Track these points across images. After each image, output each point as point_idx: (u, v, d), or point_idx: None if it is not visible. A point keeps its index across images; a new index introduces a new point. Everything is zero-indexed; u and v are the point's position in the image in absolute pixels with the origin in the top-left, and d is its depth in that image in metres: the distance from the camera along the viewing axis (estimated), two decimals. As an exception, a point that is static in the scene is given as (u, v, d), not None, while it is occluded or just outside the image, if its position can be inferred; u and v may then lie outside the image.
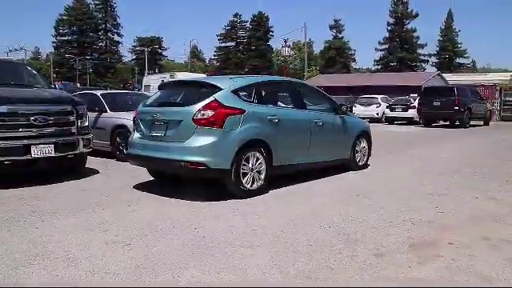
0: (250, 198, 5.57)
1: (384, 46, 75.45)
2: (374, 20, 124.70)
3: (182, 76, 26.87)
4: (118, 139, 8.86)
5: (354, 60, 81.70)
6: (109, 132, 8.92)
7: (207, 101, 5.35)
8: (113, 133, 8.92)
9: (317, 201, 5.54)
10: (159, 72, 63.99)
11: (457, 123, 20.43)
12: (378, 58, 76.31)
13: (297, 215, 4.81)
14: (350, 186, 6.50)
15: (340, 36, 78.96)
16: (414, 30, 73.81)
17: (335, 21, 78.12)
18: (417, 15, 73.39)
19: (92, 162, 7.43)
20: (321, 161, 6.96)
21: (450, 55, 76.39)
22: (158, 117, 5.63)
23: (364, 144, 8.01)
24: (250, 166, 5.63)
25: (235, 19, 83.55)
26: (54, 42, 74.39)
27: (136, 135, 6.04)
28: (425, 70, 71.77)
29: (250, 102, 5.79)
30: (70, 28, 73.44)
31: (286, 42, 41.97)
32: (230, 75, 6.60)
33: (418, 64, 75.07)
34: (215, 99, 5.37)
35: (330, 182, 6.88)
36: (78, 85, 43.65)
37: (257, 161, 5.71)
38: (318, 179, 6.91)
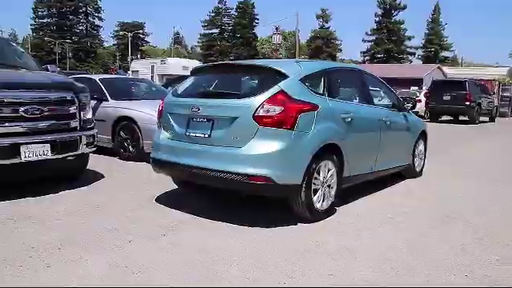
0: (320, 220, 4.23)
1: (371, 38, 74.69)
2: (361, 11, 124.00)
3: (173, 61, 25.17)
4: (121, 134, 7.32)
5: (341, 50, 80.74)
6: (110, 125, 7.38)
7: (272, 92, 3.92)
8: (115, 126, 7.39)
9: (412, 225, 4.20)
10: (142, 58, 61.56)
11: (465, 118, 19.48)
12: (364, 50, 75.50)
13: (411, 250, 3.46)
14: (428, 203, 5.20)
15: (327, 26, 77.82)
16: (402, 22, 73.24)
17: (322, 10, 76.88)
18: (405, 7, 72.75)
19: (90, 161, 5.90)
20: (385, 168, 5.63)
21: (435, 48, 76.20)
22: (199, 111, 4.15)
23: (421, 147, 6.74)
24: (322, 178, 4.26)
25: (220, 5, 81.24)
26: (32, 25, 70.87)
27: (164, 135, 4.55)
28: (411, 62, 71.54)
29: (320, 94, 4.38)
30: (49, 10, 69.82)
31: (277, 29, 40.36)
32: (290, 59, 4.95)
33: (405, 56, 74.72)
34: (282, 90, 3.94)
35: (397, 194, 5.58)
36: (58, 69, 41.03)
37: (328, 172, 4.33)
38: (375, 192, 5.61)
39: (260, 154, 3.80)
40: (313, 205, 4.14)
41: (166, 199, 4.90)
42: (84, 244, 3.43)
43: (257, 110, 3.84)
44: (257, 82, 4.29)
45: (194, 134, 4.21)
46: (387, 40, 73.13)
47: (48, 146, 4.80)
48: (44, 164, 4.89)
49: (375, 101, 5.53)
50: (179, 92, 4.66)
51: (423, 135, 6.76)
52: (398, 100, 6.09)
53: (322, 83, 4.47)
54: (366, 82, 5.42)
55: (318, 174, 4.18)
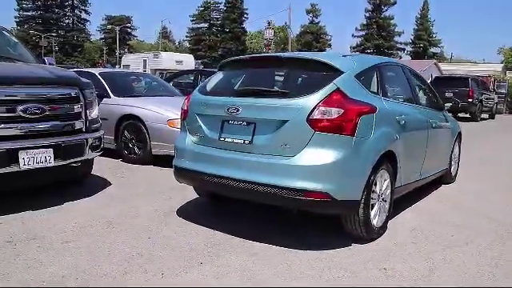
0: (376, 239, 3.64)
1: (361, 33, 74.56)
2: (351, 6, 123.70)
3: (166, 55, 24.38)
4: (125, 134, 6.61)
5: (330, 46, 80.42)
6: (113, 124, 6.66)
7: (327, 90, 3.28)
8: (118, 125, 6.68)
9: (482, 243, 3.62)
10: (130, 52, 60.26)
11: (465, 116, 19.11)
12: (354, 45, 75.30)
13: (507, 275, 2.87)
14: (477, 213, 4.64)
15: (317, 21, 77.47)
16: (392, 18, 73.21)
17: (312, 5, 76.41)
18: (395, 3, 72.65)
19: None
20: (430, 175, 5.06)
21: (424, 44, 76.33)
22: (238, 113, 3.49)
23: (456, 150, 6.20)
24: (378, 191, 3.65)
25: (209, 0, 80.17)
26: (16, 17, 68.74)
27: (190, 140, 3.87)
28: (401, 58, 71.59)
29: (375, 93, 3.77)
30: (33, 3, 67.71)
31: (269, 23, 39.57)
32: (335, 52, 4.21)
33: (395, 52, 74.75)
34: (338, 88, 3.30)
35: (441, 204, 5.02)
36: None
37: (384, 183, 3.73)
38: (416, 202, 5.07)
39: (317, 164, 3.17)
40: (370, 222, 3.53)
41: (189, 212, 4.24)
42: (105, 278, 2.76)
43: (312, 111, 3.20)
44: (306, 78, 3.63)
45: (230, 140, 3.54)
46: (377, 35, 73.06)
47: (51, 151, 4.10)
48: (45, 172, 4.19)
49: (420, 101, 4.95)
50: (208, 89, 3.97)
51: (459, 137, 6.21)
52: (437, 98, 5.51)
53: (375, 80, 3.86)
54: (410, 79, 4.82)
55: (375, 187, 3.57)
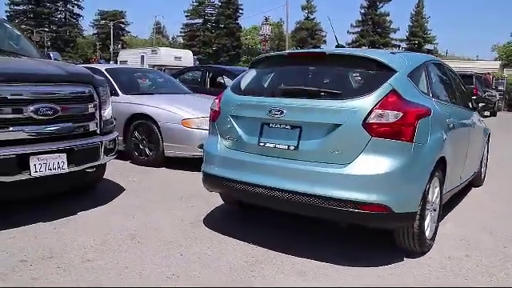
0: (427, 252, 3.31)
1: (356, 30, 74.35)
2: (346, 2, 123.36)
3: (164, 51, 23.92)
4: (135, 134, 6.22)
5: (325, 42, 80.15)
6: (122, 124, 6.25)
7: (383, 91, 2.94)
8: (128, 125, 6.27)
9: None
10: (123, 47, 59.45)
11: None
12: (349, 41, 75.05)
13: None
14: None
15: (312, 17, 77.15)
16: (387, 14, 73.06)
17: (307, 1, 76.02)
18: (390, -1, 72.50)
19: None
20: (467, 179, 4.73)
21: (419, 41, 76.32)
22: (282, 115, 3.12)
23: (485, 152, 5.87)
24: (431, 200, 3.31)
25: (203, -5, 79.40)
26: (7, 12, 67.37)
27: (222, 144, 3.50)
28: (396, 55, 71.27)
29: (426, 94, 3.43)
30: (25, -3, 66.56)
31: (266, 19, 39.02)
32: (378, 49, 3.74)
33: (390, 49, 74.65)
34: (394, 89, 2.96)
35: (479, 209, 4.70)
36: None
37: (435, 191, 3.39)
38: (453, 207, 4.74)
39: (374, 174, 2.82)
40: (424, 234, 3.20)
41: (217, 222, 3.88)
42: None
43: (369, 115, 2.85)
44: (356, 77, 3.27)
45: (271, 145, 3.18)
46: (372, 32, 72.87)
47: (64, 156, 3.71)
48: (57, 179, 3.80)
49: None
50: (243, 88, 3.59)
51: (488, 139, 5.90)
52: (470, 97, 5.19)
53: (425, 80, 3.53)
54: (450, 77, 4.49)
55: (429, 196, 3.24)
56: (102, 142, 4.10)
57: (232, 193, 3.57)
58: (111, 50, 54.79)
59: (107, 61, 44.99)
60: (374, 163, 2.84)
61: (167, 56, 23.85)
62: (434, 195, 3.36)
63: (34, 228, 3.55)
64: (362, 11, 73.32)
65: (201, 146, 5.80)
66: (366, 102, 2.89)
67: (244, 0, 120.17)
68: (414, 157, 2.91)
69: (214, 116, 3.61)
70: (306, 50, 3.53)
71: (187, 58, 26.11)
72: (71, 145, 3.79)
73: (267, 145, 3.20)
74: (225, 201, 4.14)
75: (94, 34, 74.15)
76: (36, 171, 3.53)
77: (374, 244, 3.42)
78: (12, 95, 3.43)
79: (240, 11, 79.27)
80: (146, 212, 4.10)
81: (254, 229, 3.75)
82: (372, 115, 2.85)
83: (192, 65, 25.37)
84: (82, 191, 4.57)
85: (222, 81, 10.38)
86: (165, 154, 5.98)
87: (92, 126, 4.06)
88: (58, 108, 3.68)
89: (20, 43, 4.99)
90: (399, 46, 75.90)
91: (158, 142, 5.98)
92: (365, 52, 3.37)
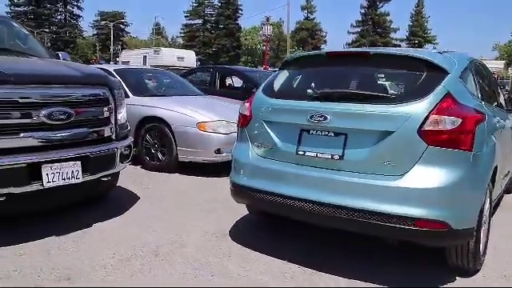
0: (479, 270, 3.01)
1: (356, 30, 74.22)
2: (346, 2, 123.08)
3: (167, 52, 23.64)
4: (147, 138, 5.91)
5: (325, 42, 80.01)
6: (133, 127, 5.88)
7: (438, 95, 2.65)
8: (139, 128, 5.96)
9: None
10: (123, 48, 59.08)
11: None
12: (350, 42, 74.88)
13: None
14: None
15: (312, 17, 77.01)
16: (387, 14, 72.92)
17: (307, 1, 75.82)
18: (390, -1, 72.40)
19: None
20: (504, 186, 4.42)
21: (419, 41, 76.15)
22: (325, 121, 2.82)
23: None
24: (485, 213, 3.01)
25: (203, -5, 79.13)
26: (8, 13, 67.02)
27: (254, 151, 3.19)
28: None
29: (476, 97, 3.15)
30: (25, -2, 66.18)
31: (267, 19, 38.66)
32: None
33: (391, 49, 74.41)
34: (449, 93, 2.67)
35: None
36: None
37: (487, 203, 3.09)
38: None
39: (432, 187, 2.52)
40: (479, 251, 2.90)
41: (244, 236, 3.57)
42: None
43: (424, 121, 2.55)
44: (405, 78, 2.97)
45: (312, 154, 2.87)
46: (372, 32, 72.71)
47: (78, 164, 3.40)
48: (71, 189, 3.48)
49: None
50: (277, 91, 3.28)
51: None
52: (505, 99, 4.89)
53: (473, 81, 3.23)
54: (489, 77, 4.20)
55: (484, 209, 2.94)
56: (117, 148, 3.79)
57: (265, 206, 3.26)
58: (111, 50, 54.45)
59: (107, 61, 44.66)
60: (430, 175, 2.54)
61: (170, 56, 23.52)
62: (486, 207, 3.06)
63: (46, 243, 3.24)
64: (362, 11, 73.15)
65: (218, 151, 5.54)
66: (421, 107, 2.59)
67: (244, 0, 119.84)
68: (473, 167, 2.62)
69: (244, 121, 3.30)
70: (348, 50, 3.25)
71: (190, 58, 25.80)
72: (86, 152, 3.48)
73: (307, 154, 2.89)
74: (250, 211, 3.83)
75: (93, 34, 73.89)
76: (49, 181, 3.22)
77: (418, 261, 3.13)
78: (22, 98, 3.13)
79: (240, 12, 79.05)
80: (165, 223, 3.79)
81: (284, 243, 3.45)
82: (428, 122, 2.56)
83: (194, 65, 25.12)
84: (93, 200, 4.26)
85: (230, 82, 10.10)
86: (178, 158, 5.67)
87: (107, 131, 3.76)
88: (72, 112, 3.37)
89: (28, 43, 4.69)
90: (399, 46, 75.74)
91: (171, 146, 5.67)
92: (413, 51, 3.06)
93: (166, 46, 70.55)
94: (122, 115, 4.02)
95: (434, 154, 2.55)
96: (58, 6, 66.42)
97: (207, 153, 5.49)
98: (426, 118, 2.57)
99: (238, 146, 3.38)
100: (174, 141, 5.64)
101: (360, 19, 73.47)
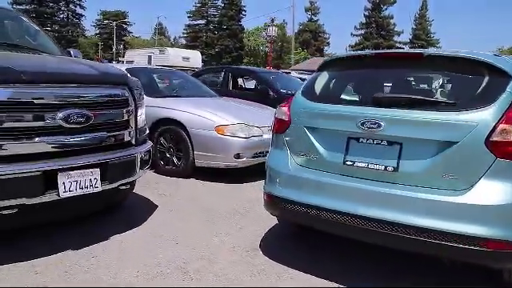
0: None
1: (360, 32, 74.08)
2: (350, 4, 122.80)
3: (172, 52, 23.37)
4: (162, 141, 5.60)
5: (328, 44, 79.87)
6: (146, 130, 5.60)
7: (504, 102, 2.37)
8: (153, 131, 5.63)
9: None
10: (125, 48, 58.87)
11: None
12: (353, 44, 74.71)
13: None
14: None
15: (315, 19, 76.88)
16: (391, 17, 72.75)
17: (311, 3, 75.67)
18: (394, 2, 72.19)
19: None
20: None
21: (422, 44, 75.93)
22: (378, 129, 2.52)
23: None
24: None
25: (206, -4, 78.97)
26: (10, 11, 66.90)
27: (293, 160, 2.89)
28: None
29: None
30: (28, -3, 66.01)
31: (272, 20, 38.34)
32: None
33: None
34: None
35: None
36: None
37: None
38: None
39: (503, 204, 2.22)
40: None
41: (278, 251, 3.25)
42: None
43: (493, 131, 2.27)
44: (465, 83, 2.67)
45: (362, 164, 2.58)
46: (376, 34, 72.50)
47: (97, 171, 3.10)
48: (88, 199, 3.18)
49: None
50: (319, 94, 2.97)
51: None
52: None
53: None
54: None
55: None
56: (138, 153, 3.48)
57: (303, 219, 2.95)
58: (114, 50, 54.20)
59: (109, 61, 44.42)
60: (500, 190, 2.26)
61: (175, 56, 23.21)
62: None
63: (62, 259, 2.94)
64: (366, 13, 72.98)
65: (237, 156, 5.23)
66: (487, 116, 2.31)
67: (247, 1, 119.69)
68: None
69: (282, 127, 3.00)
70: (397, 51, 2.94)
71: (195, 58, 25.49)
72: (105, 158, 3.17)
73: (356, 164, 2.59)
74: (279, 217, 3.50)
75: (96, 34, 73.74)
76: (65, 191, 2.91)
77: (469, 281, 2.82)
78: (37, 99, 2.82)
79: (243, 12, 78.92)
80: (189, 235, 3.49)
81: (322, 258, 3.15)
82: (496, 132, 2.28)
83: (200, 66, 24.83)
84: (108, 209, 3.95)
85: (241, 83, 9.80)
86: (195, 163, 5.36)
87: (127, 136, 3.45)
88: (91, 114, 3.06)
89: (38, 38, 4.39)
90: (403, 49, 75.47)
91: (188, 150, 5.36)
92: (470, 53, 2.75)
93: (168, 46, 70.31)
94: (141, 118, 3.72)
95: (502, 167, 2.26)
96: (61, 4, 66.21)
97: (226, 158, 5.19)
98: (494, 127, 2.28)
99: (274, 154, 3.07)
100: (191, 145, 5.33)
101: (364, 21, 73.34)
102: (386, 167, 2.51)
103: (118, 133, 3.35)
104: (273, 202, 2.98)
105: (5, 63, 2.83)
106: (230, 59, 72.05)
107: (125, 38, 74.28)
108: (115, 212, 3.97)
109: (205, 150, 5.26)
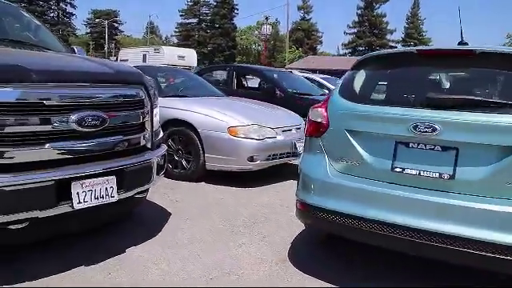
0: None
1: (353, 30, 74.15)
2: (343, 2, 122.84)
3: (168, 50, 23.01)
4: (170, 143, 5.31)
5: (321, 43, 79.85)
6: (153, 131, 5.30)
7: None
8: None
9: None
10: (116, 47, 58.28)
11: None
12: (346, 42, 74.82)
13: None
14: None
15: (308, 17, 76.82)
16: (384, 15, 72.88)
17: (303, 1, 75.54)
18: (387, 0, 72.31)
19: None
20: None
21: (415, 43, 76.11)
22: (432, 133, 2.28)
23: None
24: None
25: (198, -6, 78.47)
26: (-2, 9, 65.79)
27: (333, 167, 2.64)
28: (393, 56, 71.32)
29: None
30: (18, -5, 65.05)
31: (267, 18, 37.99)
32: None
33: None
34: None
35: None
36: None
37: None
38: None
39: None
40: None
41: (309, 263, 3.00)
42: None
43: None
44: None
45: (413, 172, 2.34)
46: (369, 33, 72.60)
47: (113, 179, 2.81)
48: (103, 209, 2.89)
49: None
50: (360, 94, 2.71)
51: None
52: None
53: None
54: None
55: None
56: (154, 158, 3.20)
57: (343, 230, 2.68)
58: (105, 49, 53.56)
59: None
60: None
61: (171, 55, 22.82)
62: None
63: (77, 275, 2.66)
64: (359, 12, 73.00)
65: (251, 159, 4.96)
66: None
67: (239, 0, 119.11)
68: None
69: (317, 130, 2.74)
70: (444, 48, 2.67)
71: (191, 57, 25.13)
72: (121, 164, 2.89)
73: (406, 171, 2.35)
74: (307, 225, 3.24)
75: (86, 33, 72.94)
76: (80, 202, 2.63)
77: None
78: (49, 100, 2.53)
79: (235, 11, 78.61)
80: (210, 247, 3.22)
81: (359, 270, 2.89)
82: None
83: (195, 65, 24.47)
84: (119, 216, 3.66)
85: (244, 82, 9.52)
86: (206, 166, 5.08)
87: (143, 139, 3.17)
88: (106, 117, 2.77)
89: (40, 34, 4.09)
90: (396, 48, 75.66)
91: (198, 152, 5.08)
92: None
93: (159, 45, 69.72)
94: (156, 120, 3.44)
95: None
96: (51, 3, 65.30)
97: (239, 160, 4.92)
98: None
99: (309, 159, 2.81)
100: (202, 147, 5.05)
101: (356, 20, 73.34)
102: (441, 174, 2.26)
103: (134, 136, 3.06)
104: (307, 211, 2.72)
105: (12, 60, 2.54)
106: (223, 58, 71.75)
107: (116, 37, 73.58)
108: (127, 221, 3.68)
109: (216, 153, 4.99)
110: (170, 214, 4.00)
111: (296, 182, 2.90)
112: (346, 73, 2.99)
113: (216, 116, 5.05)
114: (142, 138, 3.16)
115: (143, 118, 3.14)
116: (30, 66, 2.55)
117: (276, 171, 5.45)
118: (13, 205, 2.36)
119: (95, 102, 2.77)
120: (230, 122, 4.98)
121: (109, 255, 2.96)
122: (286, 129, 5.40)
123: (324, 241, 3.43)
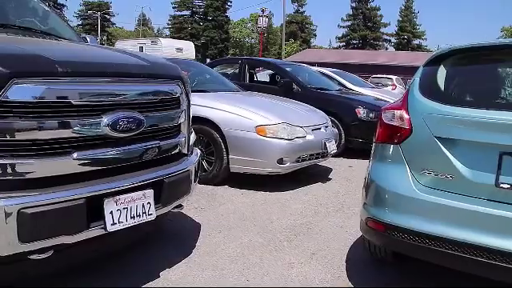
0: None
1: (347, 24, 73.80)
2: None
3: (166, 42, 22.42)
4: (188, 144, 4.80)
5: (315, 36, 79.44)
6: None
7: None
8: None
9: None
10: (108, 39, 57.26)
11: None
12: (340, 35, 74.49)
13: None
14: None
15: (302, 10, 76.33)
16: (378, 9, 72.61)
17: (297, -6, 74.96)
18: (381, -7, 71.92)
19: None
20: None
21: (408, 36, 75.98)
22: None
23: None
24: None
25: (191, -14, 77.47)
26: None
27: (417, 180, 2.20)
28: (387, 49, 71.36)
29: None
30: (4, -15, 63.45)
31: (263, 11, 37.27)
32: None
33: (380, 43, 74.40)
34: None
35: None
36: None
37: None
38: None
39: None
40: None
41: (376, 283, 2.56)
42: None
43: None
44: None
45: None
46: (363, 26, 72.27)
47: (151, 193, 2.34)
48: (137, 231, 2.42)
49: None
50: (449, 94, 2.26)
51: None
52: None
53: None
54: None
55: None
56: (192, 165, 2.74)
57: (426, 254, 2.22)
58: (98, 41, 52.60)
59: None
60: None
61: (169, 47, 22.16)
62: None
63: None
64: (353, 5, 72.58)
65: (280, 161, 4.51)
66: None
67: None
68: None
69: (395, 135, 2.29)
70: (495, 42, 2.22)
71: (189, 49, 24.46)
72: (159, 175, 2.42)
73: None
74: (368, 245, 2.80)
75: (78, 25, 71.69)
76: (114, 223, 2.15)
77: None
78: (76, 99, 2.04)
79: (229, 3, 77.79)
80: (257, 268, 2.78)
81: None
82: None
83: (194, 57, 23.88)
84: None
85: (254, 76, 9.02)
86: (230, 169, 4.62)
87: (180, 144, 2.69)
88: (143, 118, 2.30)
89: (51, 22, 3.58)
90: (390, 41, 75.45)
91: (221, 153, 4.62)
92: None
93: (152, 37, 68.65)
94: (190, 119, 2.96)
95: None
96: (42, -6, 63.96)
97: (269, 162, 4.47)
98: None
99: (383, 170, 2.35)
100: (226, 147, 4.58)
101: (351, 13, 72.90)
102: None
103: (171, 141, 2.59)
104: (381, 230, 2.27)
105: (33, 50, 2.05)
106: (216, 51, 71.02)
107: (108, 28, 72.47)
108: (153, 236, 3.21)
109: (242, 154, 4.53)
110: (198, 224, 3.54)
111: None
112: (421, 67, 2.54)
113: (242, 113, 4.58)
114: (180, 142, 2.68)
115: (180, 119, 2.67)
116: (54, 57, 2.05)
117: (294, 173, 4.93)
118: (36, 230, 1.89)
119: (131, 100, 2.29)
120: (258, 120, 4.51)
121: (141, 280, 2.50)
122: (315, 127, 4.95)
123: (387, 259, 2.99)
